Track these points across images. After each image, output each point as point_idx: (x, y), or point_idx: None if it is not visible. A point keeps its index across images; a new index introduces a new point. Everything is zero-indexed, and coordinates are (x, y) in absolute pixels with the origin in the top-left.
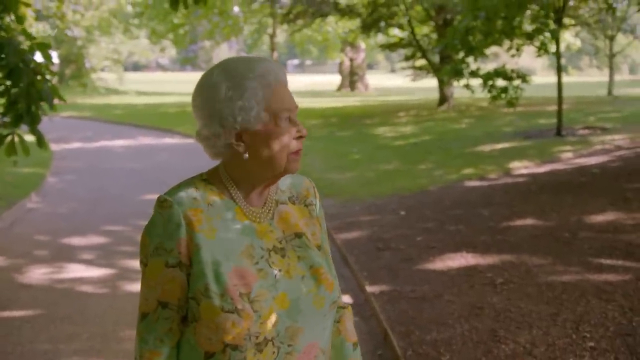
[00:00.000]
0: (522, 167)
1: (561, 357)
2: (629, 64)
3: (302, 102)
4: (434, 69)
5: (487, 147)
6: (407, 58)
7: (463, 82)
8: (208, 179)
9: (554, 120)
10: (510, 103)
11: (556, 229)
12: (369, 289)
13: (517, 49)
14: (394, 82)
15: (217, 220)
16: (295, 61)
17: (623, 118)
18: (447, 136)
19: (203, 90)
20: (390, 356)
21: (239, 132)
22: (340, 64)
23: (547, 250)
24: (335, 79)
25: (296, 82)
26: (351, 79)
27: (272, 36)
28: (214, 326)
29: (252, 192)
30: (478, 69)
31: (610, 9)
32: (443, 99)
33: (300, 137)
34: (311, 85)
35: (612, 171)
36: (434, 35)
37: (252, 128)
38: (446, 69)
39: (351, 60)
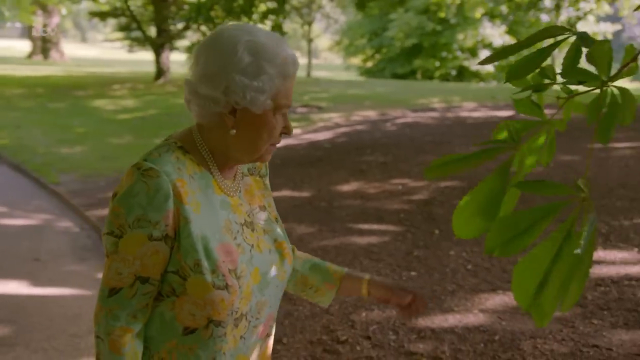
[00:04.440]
0: None
1: (355, 312)
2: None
3: None
4: (150, 42)
5: None
6: (121, 29)
7: None
8: (183, 146)
9: None
10: None
11: (313, 199)
12: None
13: None
14: (88, 52)
15: (199, 193)
16: None
17: (332, 98)
18: (174, 110)
19: (221, 51)
20: None
21: (237, 108)
22: (31, 28)
23: (311, 219)
24: (19, 45)
25: None
26: (44, 46)
27: None
28: (202, 302)
29: (226, 165)
30: None
31: None
32: (159, 72)
33: (284, 134)
34: None
35: (342, 146)
36: (150, 7)
37: (252, 110)
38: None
39: (44, 26)
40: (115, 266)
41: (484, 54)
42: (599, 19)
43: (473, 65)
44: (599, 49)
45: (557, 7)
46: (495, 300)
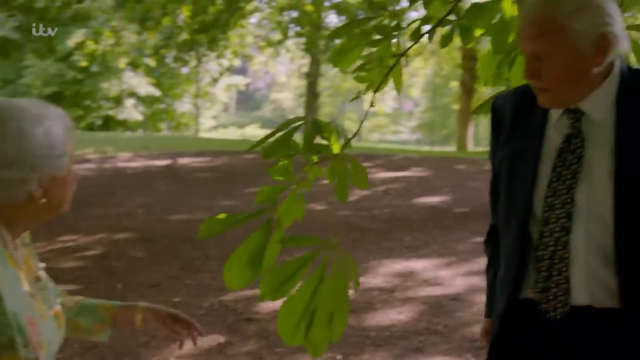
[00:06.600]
0: None
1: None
2: None
3: None
4: None
5: None
6: None
7: None
8: None
9: None
10: None
11: None
12: None
13: None
14: None
15: (2, 269)
16: None
17: None
18: None
19: (6, 136)
20: None
21: (45, 179)
22: None
23: None
24: None
25: None
26: None
27: None
28: None
29: (17, 235)
30: None
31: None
32: None
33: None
34: None
35: None
36: None
37: (59, 174)
38: None
39: None
40: None
41: (130, 102)
42: (233, 73)
43: (119, 114)
44: (332, 129)
45: (199, 63)
46: (188, 344)
